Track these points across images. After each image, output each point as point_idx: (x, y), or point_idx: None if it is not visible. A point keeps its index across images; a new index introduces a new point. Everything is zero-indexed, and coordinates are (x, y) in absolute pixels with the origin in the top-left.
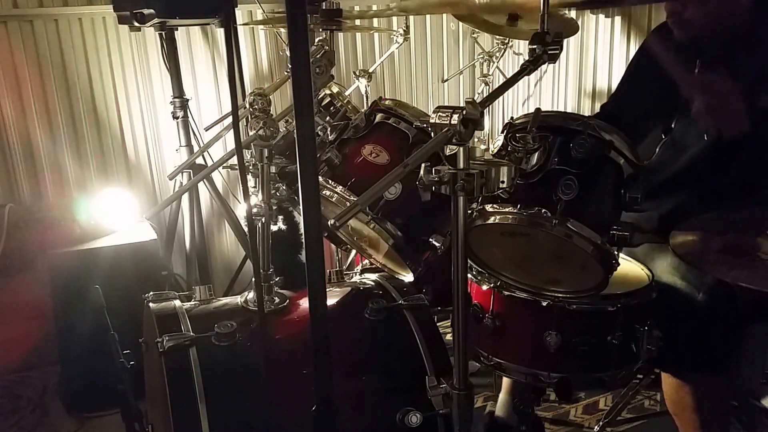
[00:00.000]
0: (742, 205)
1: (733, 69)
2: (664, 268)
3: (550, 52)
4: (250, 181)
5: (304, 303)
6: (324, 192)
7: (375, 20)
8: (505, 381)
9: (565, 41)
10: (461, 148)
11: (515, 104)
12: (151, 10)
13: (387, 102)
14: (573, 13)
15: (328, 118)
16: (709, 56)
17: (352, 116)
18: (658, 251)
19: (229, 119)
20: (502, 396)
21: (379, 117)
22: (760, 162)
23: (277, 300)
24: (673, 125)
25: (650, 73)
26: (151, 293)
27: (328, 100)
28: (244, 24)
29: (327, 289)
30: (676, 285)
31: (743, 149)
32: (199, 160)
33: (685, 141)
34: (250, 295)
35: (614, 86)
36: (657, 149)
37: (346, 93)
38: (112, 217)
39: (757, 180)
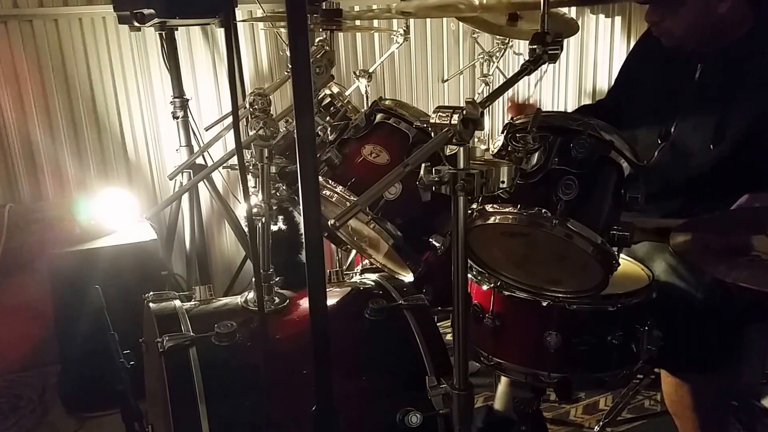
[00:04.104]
0: (742, 205)
1: (735, 74)
2: (663, 268)
3: (550, 52)
4: (250, 181)
5: (304, 303)
6: (324, 192)
7: (375, 20)
8: None
9: (565, 41)
10: (461, 148)
11: None
12: (151, 10)
13: (387, 102)
14: (573, 13)
15: (328, 118)
16: (711, 61)
17: (352, 116)
18: (658, 251)
19: (229, 119)
20: (501, 388)
21: (379, 117)
22: (762, 164)
23: (277, 300)
24: (672, 129)
25: (646, 75)
26: (151, 293)
27: (328, 100)
28: (243, 21)
29: (327, 289)
30: (675, 285)
31: (748, 155)
32: (199, 160)
33: (687, 148)
34: (250, 295)
35: None
36: (655, 153)
37: (346, 93)
38: (112, 217)
39: (759, 181)
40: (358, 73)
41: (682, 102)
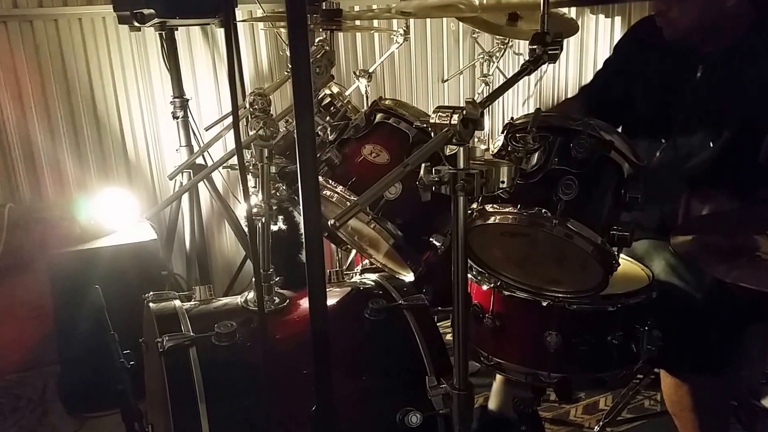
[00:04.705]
0: (742, 205)
1: (736, 74)
2: (663, 268)
3: (550, 52)
4: (250, 181)
5: (304, 303)
6: (324, 192)
7: (375, 20)
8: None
9: (565, 41)
10: (461, 148)
11: (515, 104)
12: (151, 10)
13: (387, 102)
14: (573, 13)
15: (328, 118)
16: (712, 61)
17: (352, 116)
18: (658, 251)
19: (229, 119)
20: (496, 386)
21: (379, 117)
22: (762, 163)
23: (277, 300)
24: (674, 130)
25: (642, 75)
26: (151, 293)
27: (328, 100)
28: (243, 21)
29: (327, 289)
30: (675, 285)
31: (748, 152)
32: (199, 160)
33: (688, 147)
34: (250, 295)
35: None
36: (658, 153)
37: (346, 93)
38: (112, 217)
39: (758, 180)
40: (358, 73)
41: (683, 102)
